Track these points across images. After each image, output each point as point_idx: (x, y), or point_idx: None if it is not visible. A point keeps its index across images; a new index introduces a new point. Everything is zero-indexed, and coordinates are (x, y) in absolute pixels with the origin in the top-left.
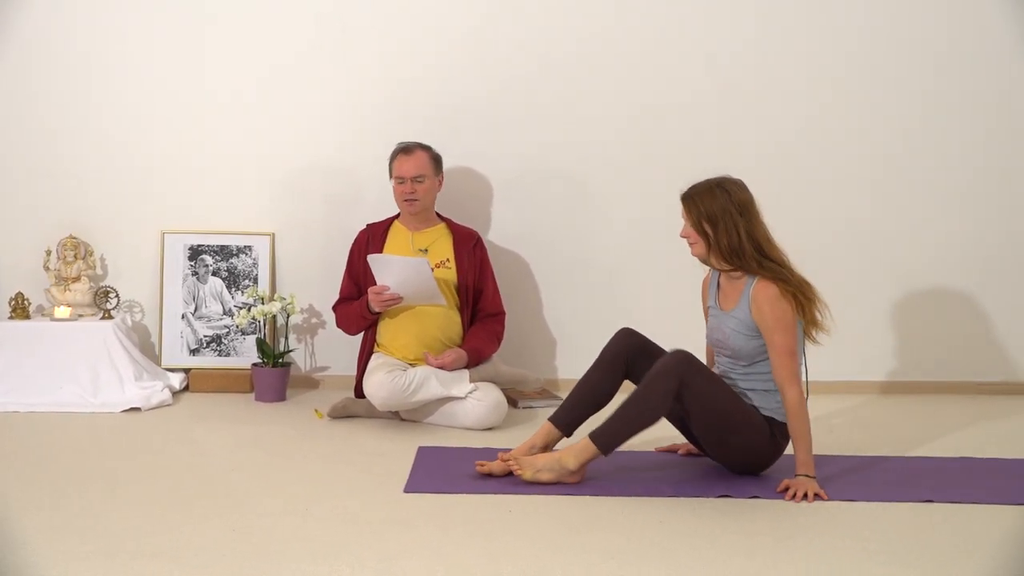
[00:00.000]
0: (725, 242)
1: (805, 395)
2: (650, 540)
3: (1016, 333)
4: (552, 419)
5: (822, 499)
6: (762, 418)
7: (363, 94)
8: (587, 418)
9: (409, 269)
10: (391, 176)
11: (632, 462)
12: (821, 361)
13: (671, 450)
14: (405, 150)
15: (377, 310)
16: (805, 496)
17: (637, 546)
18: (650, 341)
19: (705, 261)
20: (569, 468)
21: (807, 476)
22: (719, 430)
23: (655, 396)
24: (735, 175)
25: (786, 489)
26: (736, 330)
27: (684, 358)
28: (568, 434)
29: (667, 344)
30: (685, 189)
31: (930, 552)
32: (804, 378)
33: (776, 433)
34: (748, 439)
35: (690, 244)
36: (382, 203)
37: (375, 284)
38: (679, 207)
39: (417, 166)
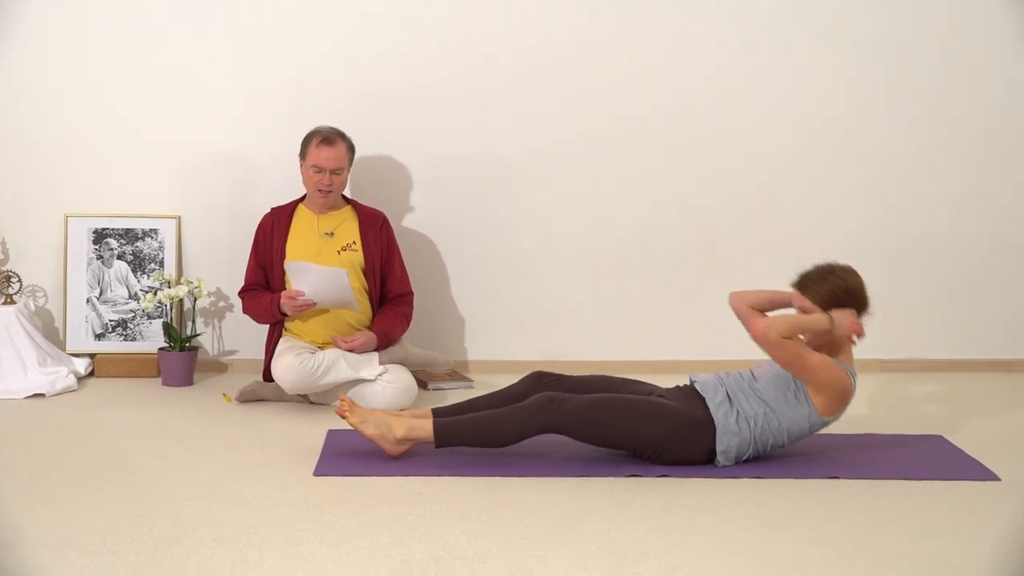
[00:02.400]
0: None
1: None
2: (560, 520)
3: (912, 308)
4: (434, 409)
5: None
6: (669, 407)
7: (269, 76)
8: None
9: (327, 278)
10: (303, 159)
11: (544, 443)
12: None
13: None
14: (327, 139)
15: (288, 314)
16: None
17: (547, 526)
18: (559, 376)
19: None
20: (395, 435)
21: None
22: (612, 438)
23: (510, 430)
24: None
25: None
26: (774, 373)
27: (547, 403)
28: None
29: (584, 332)
30: (799, 278)
31: (837, 528)
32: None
33: (696, 427)
34: (645, 431)
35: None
36: (288, 185)
37: (283, 272)
38: (596, 189)
39: (337, 158)
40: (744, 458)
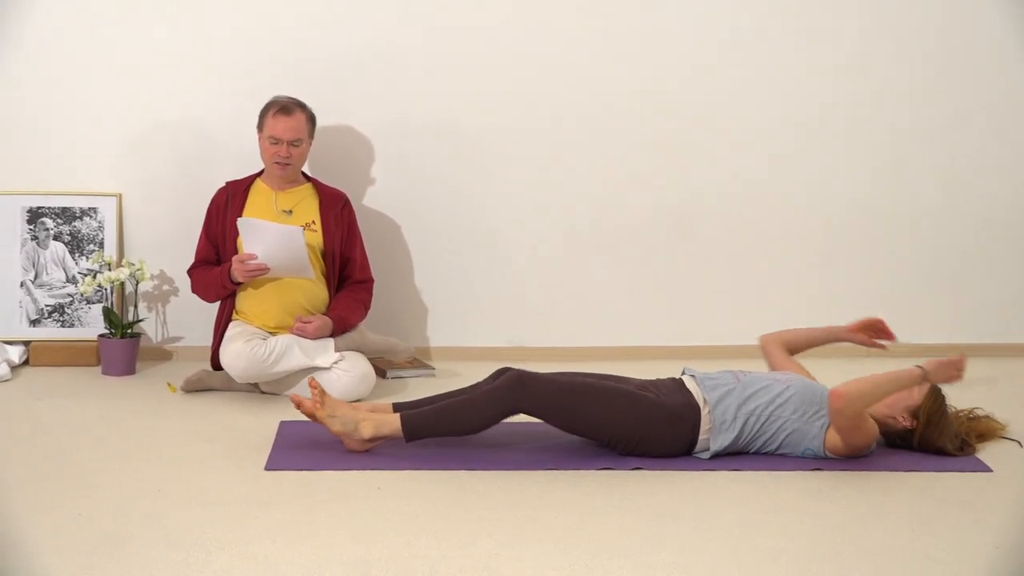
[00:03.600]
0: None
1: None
2: (528, 516)
3: (901, 292)
4: (396, 405)
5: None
6: (642, 396)
7: (218, 42)
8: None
9: (281, 237)
10: (260, 131)
11: (509, 434)
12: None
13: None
14: (284, 109)
15: (240, 280)
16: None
17: (515, 523)
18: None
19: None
20: (362, 434)
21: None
22: (583, 425)
23: (479, 411)
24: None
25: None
26: (807, 384)
27: (517, 382)
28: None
29: (553, 316)
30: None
31: (820, 523)
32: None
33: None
34: (618, 419)
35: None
36: (239, 160)
37: (236, 249)
38: (568, 161)
39: (296, 128)
40: (724, 453)
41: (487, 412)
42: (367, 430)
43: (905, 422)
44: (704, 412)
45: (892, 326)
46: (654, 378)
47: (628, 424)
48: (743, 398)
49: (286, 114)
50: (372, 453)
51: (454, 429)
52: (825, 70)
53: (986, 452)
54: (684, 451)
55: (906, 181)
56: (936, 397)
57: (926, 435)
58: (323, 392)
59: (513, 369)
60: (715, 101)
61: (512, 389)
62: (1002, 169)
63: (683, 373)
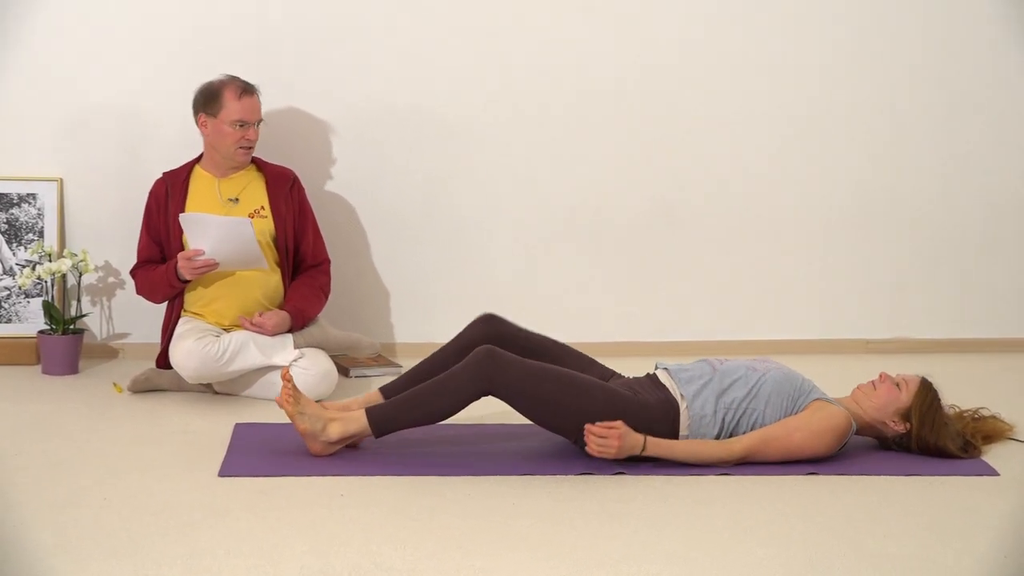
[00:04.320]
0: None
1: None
2: (501, 524)
3: (897, 283)
4: (382, 388)
5: (607, 453)
6: (620, 394)
7: (168, 18)
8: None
9: (229, 231)
10: (214, 114)
11: (481, 436)
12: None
13: None
14: (248, 89)
15: (188, 278)
16: (612, 451)
17: (488, 532)
18: (514, 327)
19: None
20: (329, 437)
21: (642, 443)
22: (553, 416)
23: (449, 395)
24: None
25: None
26: (784, 374)
27: (487, 357)
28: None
29: (530, 312)
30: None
31: (815, 530)
32: None
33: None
34: (591, 417)
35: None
36: (188, 143)
37: (182, 245)
38: (546, 147)
39: (259, 109)
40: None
41: (457, 397)
42: (335, 431)
43: (898, 426)
44: (682, 407)
45: (892, 322)
46: (630, 376)
47: (602, 420)
48: (721, 390)
49: (250, 94)
50: (334, 457)
51: (424, 419)
52: (821, 55)
53: (992, 454)
54: None
55: (907, 168)
56: (926, 394)
57: (923, 436)
58: (295, 388)
59: (492, 341)
60: (704, 87)
61: (480, 370)
62: (1008, 156)
63: (656, 368)
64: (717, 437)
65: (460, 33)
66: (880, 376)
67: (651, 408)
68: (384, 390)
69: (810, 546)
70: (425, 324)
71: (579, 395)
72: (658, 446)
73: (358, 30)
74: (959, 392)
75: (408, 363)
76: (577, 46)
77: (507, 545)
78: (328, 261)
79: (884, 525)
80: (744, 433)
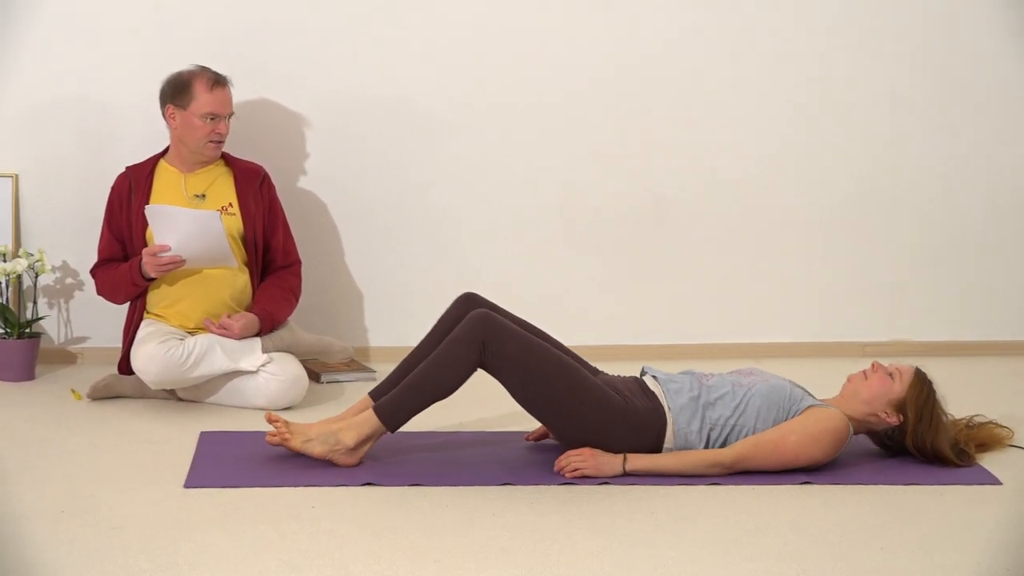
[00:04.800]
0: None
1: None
2: (480, 538)
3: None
4: (371, 393)
5: (584, 467)
6: (613, 396)
7: (130, 7)
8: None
9: (196, 224)
10: (184, 107)
11: (458, 443)
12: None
13: (543, 436)
14: (220, 81)
15: (153, 276)
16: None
17: (465, 546)
18: (496, 308)
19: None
20: (347, 444)
21: (619, 464)
22: (542, 397)
23: (450, 365)
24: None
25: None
26: (771, 386)
27: (482, 319)
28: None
29: (512, 306)
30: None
31: (810, 542)
32: None
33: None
34: (581, 411)
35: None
36: (152, 136)
37: (145, 242)
38: (529, 142)
39: (231, 101)
40: None
41: (459, 366)
42: (349, 437)
43: (890, 418)
44: (669, 419)
45: (891, 324)
46: (615, 375)
47: (592, 421)
48: (706, 405)
49: (222, 86)
50: (304, 469)
51: (432, 396)
52: (820, 54)
53: (994, 462)
54: None
55: (906, 168)
56: (922, 387)
57: (919, 432)
58: (286, 423)
59: (477, 310)
60: (694, 76)
61: (476, 329)
62: (1008, 156)
63: (643, 373)
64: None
65: (441, 23)
66: (872, 366)
67: (640, 415)
68: (373, 394)
69: (803, 560)
70: (400, 327)
71: (573, 385)
72: (640, 461)
73: (331, 19)
74: (960, 396)
75: (382, 368)
76: (563, 36)
77: (487, 560)
78: (299, 263)
79: (880, 538)
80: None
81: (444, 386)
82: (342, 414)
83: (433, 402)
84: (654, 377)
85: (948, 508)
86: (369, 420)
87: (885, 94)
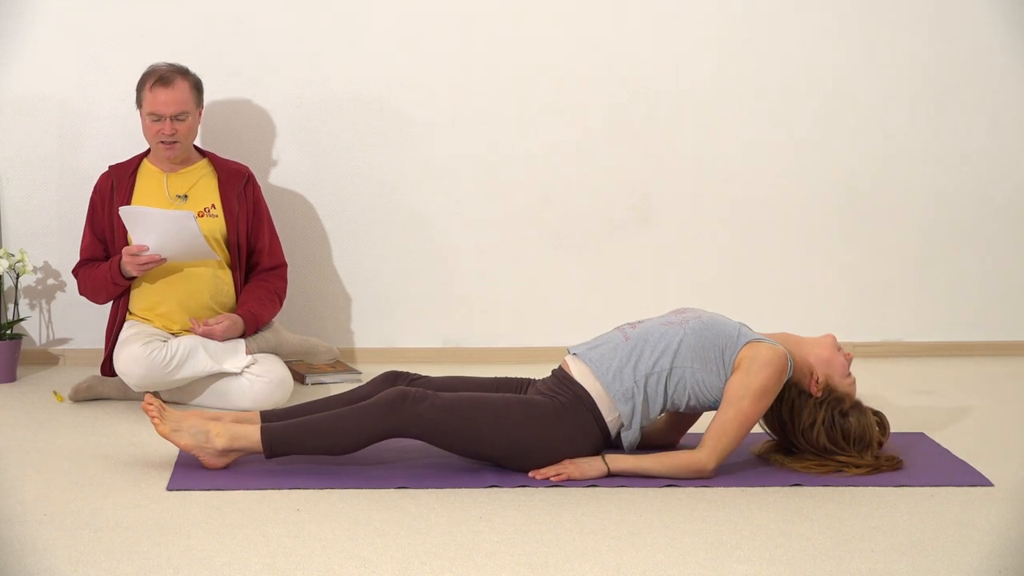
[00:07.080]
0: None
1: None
2: (469, 541)
3: (884, 282)
4: (264, 413)
5: (570, 474)
6: (538, 403)
7: (111, 3)
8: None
9: (171, 225)
10: (140, 108)
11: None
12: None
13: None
14: (163, 79)
15: (133, 275)
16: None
17: (452, 548)
18: (416, 375)
19: None
20: (216, 446)
21: (602, 464)
22: (477, 444)
23: (353, 433)
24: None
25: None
26: (705, 322)
27: (397, 396)
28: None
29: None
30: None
31: (799, 545)
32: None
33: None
34: (517, 435)
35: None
36: (135, 136)
37: (127, 241)
38: (512, 142)
39: (178, 101)
40: (650, 420)
41: (359, 434)
42: (220, 440)
43: (815, 388)
44: (598, 390)
45: (880, 326)
46: (537, 378)
47: (528, 435)
48: (636, 358)
49: (164, 85)
50: (289, 471)
51: (321, 448)
52: (810, 53)
53: (986, 463)
54: (603, 443)
55: (896, 168)
56: (850, 401)
57: (821, 415)
58: (161, 406)
59: (396, 387)
60: (680, 74)
61: (392, 408)
62: (1000, 157)
63: (568, 354)
64: (650, 406)
65: (423, 20)
66: (847, 355)
67: (569, 408)
68: (265, 415)
69: (793, 563)
70: (385, 328)
71: (496, 417)
72: (621, 461)
73: (314, 18)
74: (950, 397)
75: (367, 369)
76: (544, 29)
77: (474, 563)
78: (285, 265)
79: (871, 540)
80: (686, 396)
81: (339, 446)
82: (222, 414)
83: (323, 453)
84: (575, 355)
85: (939, 510)
86: (250, 436)
87: (875, 96)
